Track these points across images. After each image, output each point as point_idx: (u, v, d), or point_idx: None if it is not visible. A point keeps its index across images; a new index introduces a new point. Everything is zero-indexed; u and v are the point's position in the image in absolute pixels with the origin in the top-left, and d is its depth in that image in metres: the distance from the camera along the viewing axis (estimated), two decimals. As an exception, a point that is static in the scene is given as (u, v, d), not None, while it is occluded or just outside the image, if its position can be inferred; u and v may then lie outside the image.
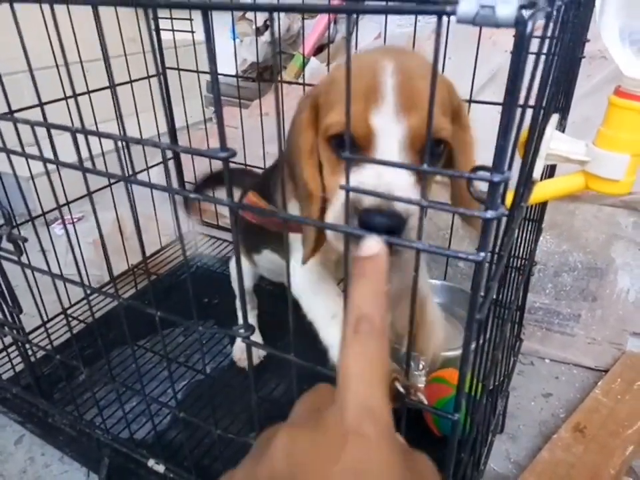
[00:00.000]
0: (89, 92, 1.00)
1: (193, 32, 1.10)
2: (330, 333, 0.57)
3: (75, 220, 1.29)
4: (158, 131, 1.18)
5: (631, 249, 1.09)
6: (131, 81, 1.10)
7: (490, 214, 0.29)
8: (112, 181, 1.12)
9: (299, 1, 0.82)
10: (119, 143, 0.42)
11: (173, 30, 1.14)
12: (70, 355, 0.94)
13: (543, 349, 1.15)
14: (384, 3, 0.32)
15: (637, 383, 1.03)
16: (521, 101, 0.30)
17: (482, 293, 0.34)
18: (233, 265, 1.08)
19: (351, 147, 0.44)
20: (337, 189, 0.48)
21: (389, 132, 0.45)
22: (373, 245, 0.33)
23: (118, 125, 0.45)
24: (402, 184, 0.44)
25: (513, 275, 0.63)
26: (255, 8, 0.31)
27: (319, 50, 1.94)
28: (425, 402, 0.46)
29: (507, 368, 0.87)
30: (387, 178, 0.44)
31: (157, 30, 1.16)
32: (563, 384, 1.09)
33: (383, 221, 0.41)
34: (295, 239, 0.57)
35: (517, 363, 1.01)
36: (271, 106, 0.32)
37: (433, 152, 0.49)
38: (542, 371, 1.12)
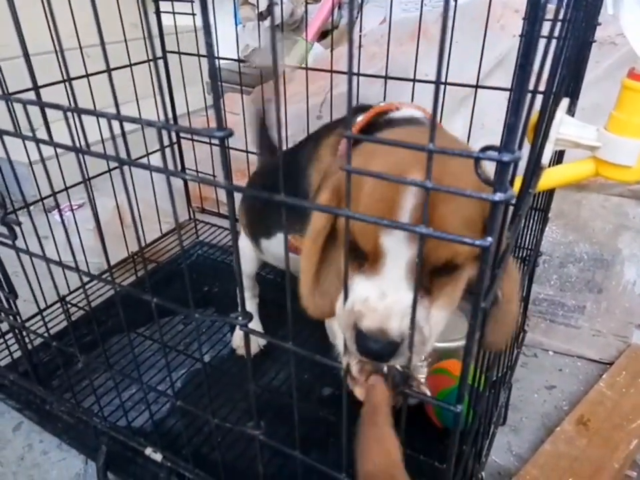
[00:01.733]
0: (87, 75, 0.99)
1: (193, 14, 1.08)
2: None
3: (75, 207, 1.28)
4: (158, 118, 1.16)
5: (638, 239, 1.07)
6: (130, 65, 1.08)
7: (499, 196, 0.28)
8: (111, 166, 1.11)
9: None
10: (114, 126, 0.40)
11: (173, 12, 1.11)
12: (67, 342, 0.94)
13: (547, 341, 1.14)
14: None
15: (642, 376, 1.02)
16: (531, 86, 0.28)
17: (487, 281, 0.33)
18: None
19: (360, 254, 0.46)
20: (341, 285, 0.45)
21: (398, 255, 0.43)
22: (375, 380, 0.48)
23: (116, 107, 0.43)
24: (404, 308, 0.42)
25: (518, 265, 0.61)
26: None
27: (322, 35, 1.91)
28: (428, 393, 0.45)
29: (510, 359, 0.86)
30: (390, 300, 0.43)
31: (157, 12, 1.14)
32: (566, 376, 1.08)
33: (376, 348, 0.43)
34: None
35: (520, 355, 1.00)
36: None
37: (441, 273, 0.45)
38: (545, 363, 1.11)
